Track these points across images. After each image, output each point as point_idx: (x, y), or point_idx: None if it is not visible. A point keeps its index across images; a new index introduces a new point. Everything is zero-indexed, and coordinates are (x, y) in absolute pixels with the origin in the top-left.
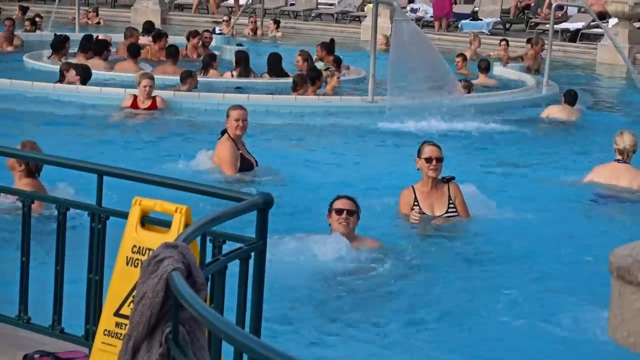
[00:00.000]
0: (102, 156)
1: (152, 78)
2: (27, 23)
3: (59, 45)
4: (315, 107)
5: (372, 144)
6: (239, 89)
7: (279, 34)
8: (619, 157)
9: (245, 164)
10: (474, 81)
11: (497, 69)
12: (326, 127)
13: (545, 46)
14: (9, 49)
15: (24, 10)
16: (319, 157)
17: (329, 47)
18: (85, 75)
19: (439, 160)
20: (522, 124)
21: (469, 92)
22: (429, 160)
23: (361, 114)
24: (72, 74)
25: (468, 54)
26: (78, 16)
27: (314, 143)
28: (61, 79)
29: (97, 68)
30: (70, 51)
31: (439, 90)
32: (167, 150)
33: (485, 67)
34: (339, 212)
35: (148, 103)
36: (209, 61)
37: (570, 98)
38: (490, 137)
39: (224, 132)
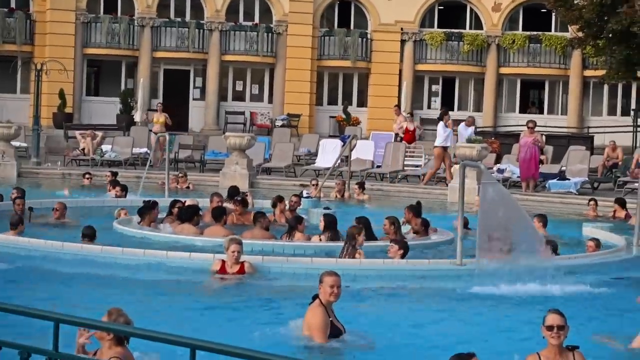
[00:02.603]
0: (191, 321)
1: (240, 243)
2: (117, 189)
3: (147, 211)
4: (403, 271)
5: (464, 308)
6: None
7: (365, 196)
8: None
9: (334, 331)
10: None
11: (587, 229)
12: (415, 290)
13: None
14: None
15: (115, 174)
16: (409, 322)
17: (416, 209)
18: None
19: (561, 328)
20: (612, 285)
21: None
22: (550, 328)
23: (450, 277)
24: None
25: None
26: (168, 181)
27: (404, 307)
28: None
29: (188, 233)
30: (159, 216)
31: (528, 253)
32: (256, 317)
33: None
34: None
35: (236, 268)
36: (295, 224)
37: None
38: (582, 299)
39: (315, 297)
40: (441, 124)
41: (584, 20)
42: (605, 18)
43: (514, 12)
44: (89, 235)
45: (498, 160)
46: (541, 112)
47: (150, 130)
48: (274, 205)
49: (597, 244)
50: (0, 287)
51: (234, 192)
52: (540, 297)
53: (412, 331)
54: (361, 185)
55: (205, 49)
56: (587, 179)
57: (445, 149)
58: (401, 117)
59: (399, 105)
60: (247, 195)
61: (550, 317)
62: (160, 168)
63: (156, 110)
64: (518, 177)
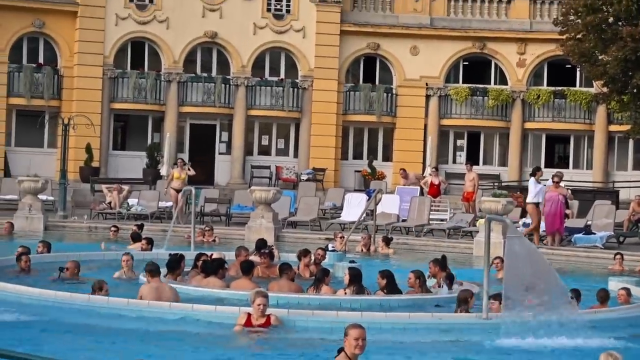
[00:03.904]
0: None
1: (266, 296)
2: (143, 242)
3: (174, 264)
4: (429, 324)
5: None
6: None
7: (390, 251)
8: None
9: None
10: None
11: (613, 284)
12: (441, 344)
13: None
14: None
15: (140, 227)
16: None
17: (441, 263)
18: None
19: None
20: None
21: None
22: None
23: (476, 330)
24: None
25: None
26: (194, 235)
27: None
28: None
29: (213, 287)
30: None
31: (554, 306)
32: None
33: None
34: None
35: (262, 321)
36: (322, 277)
37: None
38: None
39: (340, 350)
40: (532, 179)
41: (609, 76)
42: (630, 74)
43: (538, 68)
44: (153, 270)
45: (523, 214)
46: (566, 166)
47: (173, 188)
48: (299, 259)
49: (628, 292)
50: (30, 340)
51: (261, 244)
52: (565, 351)
53: None
54: (385, 240)
55: (231, 104)
56: (612, 233)
57: (537, 205)
58: (411, 178)
59: (403, 170)
60: (272, 249)
61: None
62: (186, 222)
63: (177, 166)
64: (543, 231)
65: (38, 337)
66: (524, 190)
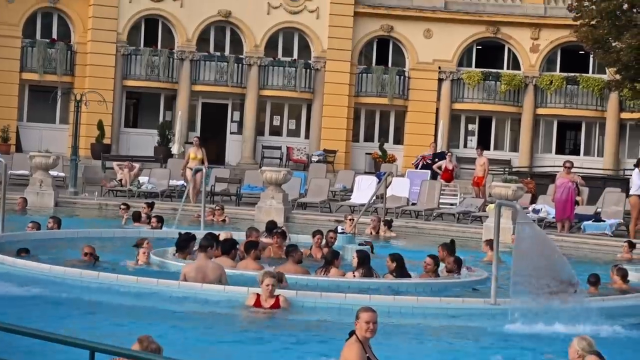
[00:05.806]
0: (224, 354)
1: (274, 277)
2: (153, 220)
3: (184, 243)
4: (437, 309)
5: (496, 347)
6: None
7: (393, 234)
8: None
9: None
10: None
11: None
12: (448, 328)
13: None
14: None
15: (151, 205)
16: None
17: (450, 247)
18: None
19: None
20: None
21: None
22: None
23: (483, 316)
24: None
25: None
26: (204, 214)
27: (438, 345)
28: None
29: (225, 266)
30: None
31: (564, 293)
32: (290, 351)
33: (594, 281)
34: None
35: (271, 302)
36: (332, 259)
37: None
38: (617, 341)
39: (352, 333)
40: (637, 170)
41: (622, 63)
42: None
43: (551, 53)
44: (205, 246)
45: (533, 200)
46: (577, 153)
47: (189, 168)
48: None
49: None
50: (38, 316)
51: (272, 226)
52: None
53: None
54: (387, 223)
55: (244, 84)
56: (622, 221)
57: None
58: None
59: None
60: (283, 229)
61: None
62: (196, 201)
63: (192, 144)
64: (553, 217)
65: (44, 313)
66: (535, 176)
